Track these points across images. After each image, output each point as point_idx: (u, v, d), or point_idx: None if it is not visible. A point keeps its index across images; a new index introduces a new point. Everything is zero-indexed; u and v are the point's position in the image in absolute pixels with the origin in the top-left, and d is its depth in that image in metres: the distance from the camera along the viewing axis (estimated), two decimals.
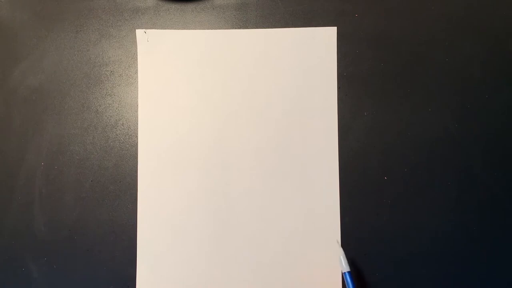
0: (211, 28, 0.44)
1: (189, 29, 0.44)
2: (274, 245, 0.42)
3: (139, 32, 0.44)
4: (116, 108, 0.44)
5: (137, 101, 0.43)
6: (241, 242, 0.42)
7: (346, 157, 0.42)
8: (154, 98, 0.43)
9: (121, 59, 0.44)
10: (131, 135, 0.43)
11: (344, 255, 0.39)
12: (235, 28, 0.44)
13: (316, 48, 0.43)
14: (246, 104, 0.43)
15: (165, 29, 0.44)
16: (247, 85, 0.43)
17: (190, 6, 0.44)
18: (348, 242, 0.41)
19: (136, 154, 0.43)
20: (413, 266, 0.41)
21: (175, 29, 0.44)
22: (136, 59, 0.44)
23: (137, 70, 0.44)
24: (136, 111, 0.43)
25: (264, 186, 0.42)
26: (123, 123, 0.43)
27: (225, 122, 0.43)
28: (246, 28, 0.44)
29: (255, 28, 0.44)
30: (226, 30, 0.44)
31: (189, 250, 0.42)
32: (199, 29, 0.44)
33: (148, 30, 0.44)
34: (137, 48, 0.44)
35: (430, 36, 0.44)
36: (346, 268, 0.38)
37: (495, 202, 0.42)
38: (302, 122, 0.43)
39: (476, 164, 0.42)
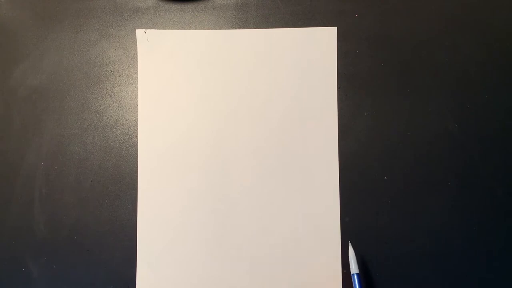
0: (211, 28, 0.44)
1: (189, 29, 0.44)
2: (274, 245, 0.42)
3: (139, 32, 0.44)
4: (116, 108, 0.44)
5: (137, 101, 0.43)
6: (241, 242, 0.42)
7: (346, 157, 0.42)
8: (154, 98, 0.43)
9: (121, 59, 0.44)
10: (131, 135, 0.43)
11: (355, 256, 0.39)
12: (235, 28, 0.44)
13: (316, 48, 0.43)
14: (246, 104, 0.43)
15: (165, 29, 0.44)
16: (247, 85, 0.43)
17: (190, 6, 0.44)
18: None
19: (136, 154, 0.43)
20: (413, 266, 0.41)
21: (175, 29, 0.44)
22: (136, 59, 0.44)
23: (137, 70, 0.44)
24: (136, 111, 0.43)
25: (264, 186, 0.42)
26: (123, 123, 0.43)
27: (225, 122, 0.43)
28: (246, 28, 0.44)
29: (255, 28, 0.44)
30: (226, 30, 0.44)
31: (189, 250, 0.42)
32: (199, 29, 0.44)
33: (148, 30, 0.44)
34: (137, 48, 0.44)
35: (430, 36, 0.44)
36: (355, 269, 0.39)
37: (495, 202, 0.42)
38: (302, 122, 0.43)
39: (476, 164, 0.42)
